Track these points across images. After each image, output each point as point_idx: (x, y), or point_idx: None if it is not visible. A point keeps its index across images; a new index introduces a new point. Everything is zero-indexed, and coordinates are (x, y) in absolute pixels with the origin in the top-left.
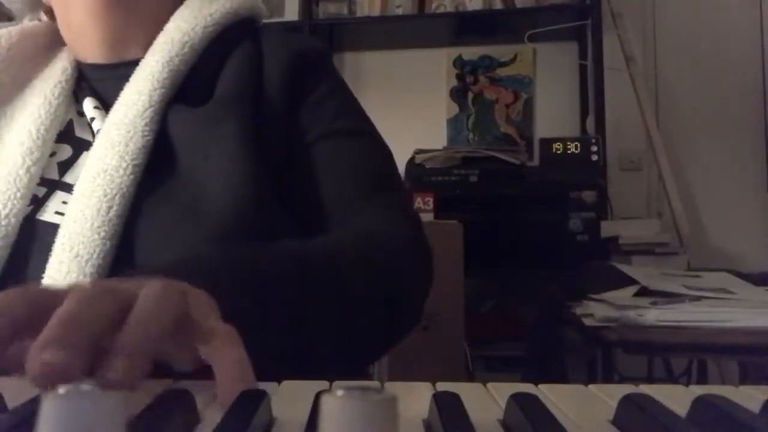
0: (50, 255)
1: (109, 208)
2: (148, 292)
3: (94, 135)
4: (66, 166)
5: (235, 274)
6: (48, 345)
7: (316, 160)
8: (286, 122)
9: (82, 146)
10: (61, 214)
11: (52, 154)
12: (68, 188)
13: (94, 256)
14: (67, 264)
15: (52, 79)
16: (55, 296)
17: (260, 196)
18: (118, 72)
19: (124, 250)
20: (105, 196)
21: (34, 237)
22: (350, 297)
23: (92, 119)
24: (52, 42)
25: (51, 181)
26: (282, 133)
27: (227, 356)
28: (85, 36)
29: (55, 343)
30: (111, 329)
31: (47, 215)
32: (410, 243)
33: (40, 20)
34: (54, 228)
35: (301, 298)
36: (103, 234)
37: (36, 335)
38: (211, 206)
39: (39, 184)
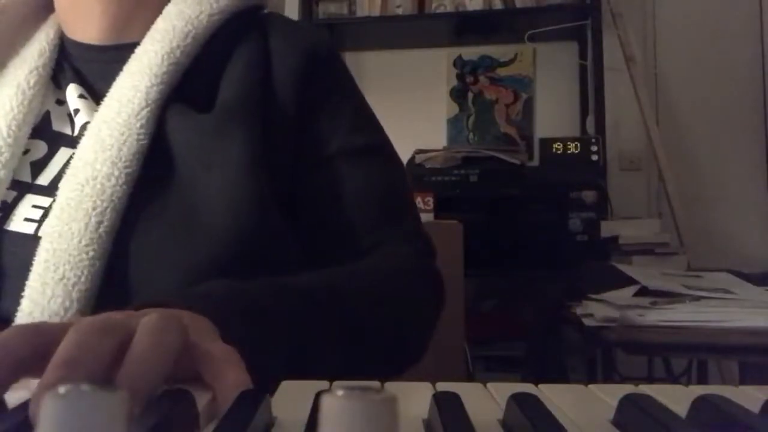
0: (26, 270)
1: (99, 222)
2: (146, 326)
3: (74, 128)
4: (39, 165)
5: (236, 308)
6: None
7: (332, 179)
8: (296, 129)
9: (58, 141)
10: (32, 220)
11: (25, 152)
12: (40, 190)
13: (82, 278)
14: (51, 287)
15: (27, 65)
16: (56, 333)
17: (264, 216)
18: (111, 55)
19: (113, 272)
20: (94, 209)
21: (3, 250)
22: (355, 332)
23: (76, 111)
24: (30, 17)
25: (22, 183)
26: (292, 140)
27: (228, 380)
28: (87, 16)
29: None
30: (111, 366)
31: (15, 224)
32: (422, 277)
33: None
34: (25, 238)
35: (303, 333)
36: (92, 253)
37: (38, 373)
38: (209, 224)
39: (8, 188)
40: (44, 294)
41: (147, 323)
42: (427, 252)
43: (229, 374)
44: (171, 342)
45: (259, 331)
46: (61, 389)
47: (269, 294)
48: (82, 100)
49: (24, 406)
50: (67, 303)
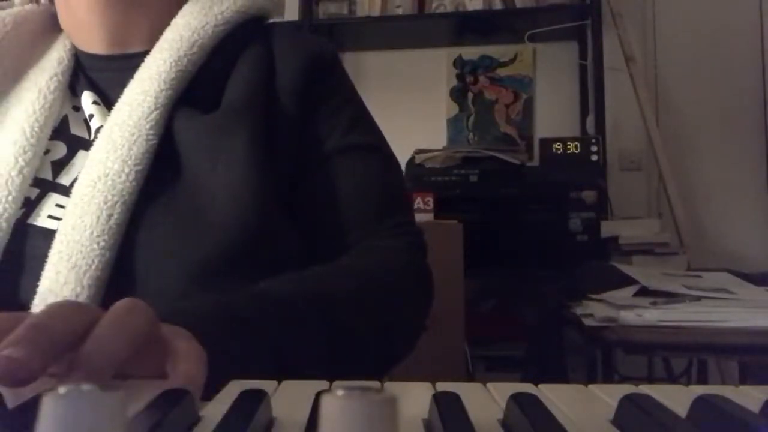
0: (45, 263)
1: (110, 216)
2: (116, 308)
3: (90, 132)
4: (60, 165)
5: (218, 321)
6: (11, 344)
7: (328, 176)
8: (298, 129)
9: (77, 144)
10: (55, 218)
11: (46, 152)
12: (63, 190)
13: (93, 267)
14: (64, 274)
15: (47, 71)
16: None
17: (267, 211)
18: (120, 64)
19: (123, 262)
20: (105, 203)
21: (26, 243)
22: (339, 336)
23: (90, 116)
24: (48, 28)
25: (44, 181)
26: (294, 141)
27: (178, 371)
28: (85, 28)
29: (18, 342)
30: (78, 340)
31: (40, 219)
32: (409, 273)
33: (37, 1)
34: (48, 233)
35: (285, 341)
36: (102, 244)
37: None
38: (215, 218)
39: (31, 185)
40: (57, 281)
41: (117, 306)
42: (417, 248)
43: (180, 367)
44: (135, 324)
45: (240, 342)
46: (61, 389)
47: (251, 305)
48: (96, 106)
49: (24, 406)
50: (78, 289)
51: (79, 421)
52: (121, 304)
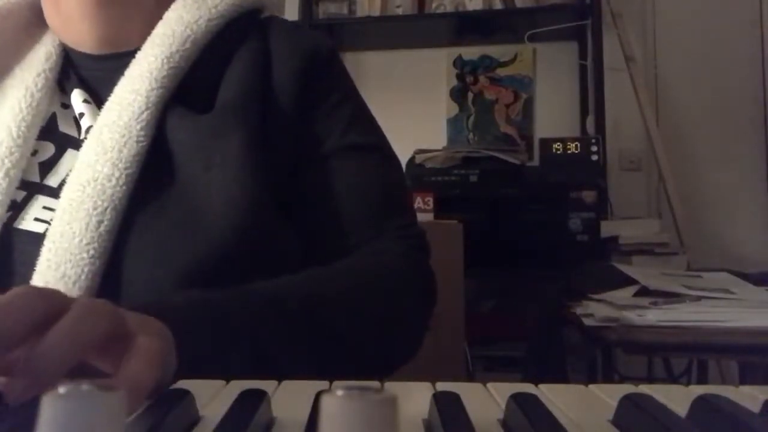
0: (33, 270)
1: (99, 222)
2: (76, 311)
3: (80, 130)
4: (48, 166)
5: (198, 313)
6: None
7: (327, 177)
8: (296, 128)
9: (66, 143)
10: (42, 221)
11: (33, 153)
12: (50, 192)
13: (82, 277)
14: (52, 284)
15: (34, 68)
16: None
17: (263, 213)
18: (112, 63)
19: (113, 270)
20: (95, 209)
21: (13, 247)
22: (330, 337)
23: (81, 115)
24: (34, 22)
25: (31, 183)
26: (291, 140)
27: (123, 373)
28: (75, 29)
29: None
30: (34, 334)
31: (26, 223)
32: (410, 276)
33: None
34: (35, 237)
35: (266, 337)
36: (92, 252)
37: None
38: (208, 222)
39: (18, 188)
40: None
41: (77, 308)
42: (418, 249)
43: (129, 365)
44: (93, 328)
45: (218, 334)
46: (61, 389)
47: (234, 300)
48: (86, 104)
49: (24, 406)
50: None
51: (79, 421)
52: (83, 305)
